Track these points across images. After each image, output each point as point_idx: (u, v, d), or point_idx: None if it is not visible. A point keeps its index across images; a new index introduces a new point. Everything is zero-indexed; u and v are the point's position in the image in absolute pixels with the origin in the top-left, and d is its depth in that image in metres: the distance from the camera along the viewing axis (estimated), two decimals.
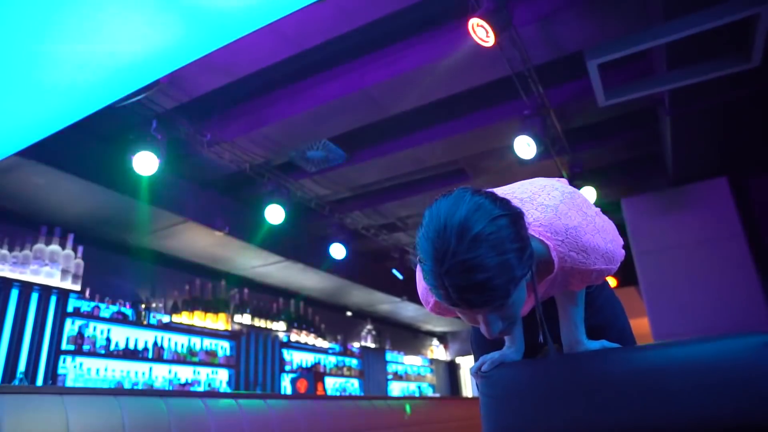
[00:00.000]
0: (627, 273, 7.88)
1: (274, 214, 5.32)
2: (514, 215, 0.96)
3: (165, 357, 5.68)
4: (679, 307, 5.44)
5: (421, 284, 1.20)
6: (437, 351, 12.63)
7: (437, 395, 10.86)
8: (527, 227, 1.01)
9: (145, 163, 4.24)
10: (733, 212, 5.45)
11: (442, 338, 13.05)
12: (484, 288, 0.91)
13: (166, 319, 5.92)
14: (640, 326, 7.80)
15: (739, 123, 4.79)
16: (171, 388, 5.54)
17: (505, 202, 0.98)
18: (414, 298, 9.06)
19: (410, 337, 11.88)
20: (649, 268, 5.74)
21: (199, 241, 5.93)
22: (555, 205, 1.14)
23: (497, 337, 1.04)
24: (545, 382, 1.26)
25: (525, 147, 4.37)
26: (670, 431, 1.12)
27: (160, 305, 6.05)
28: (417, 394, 10.40)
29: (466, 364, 12.81)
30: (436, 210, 0.97)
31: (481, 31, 3.24)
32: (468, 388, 12.48)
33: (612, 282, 8.13)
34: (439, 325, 12.12)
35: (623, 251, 1.23)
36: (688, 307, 5.38)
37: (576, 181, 5.23)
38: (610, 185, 6.22)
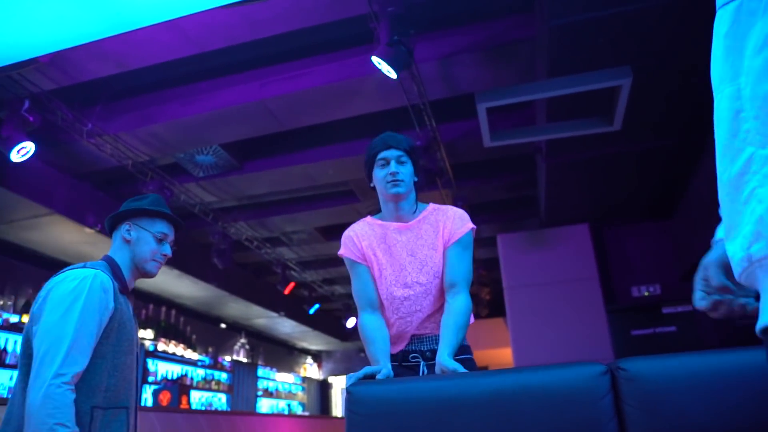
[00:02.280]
0: (496, 305, 8.38)
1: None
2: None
3: (7, 361, 5.13)
4: (539, 338, 5.88)
5: (344, 236, 1.88)
6: (311, 369, 12.53)
7: (306, 414, 10.74)
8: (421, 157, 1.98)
9: (19, 148, 3.88)
10: (591, 256, 6.04)
11: (317, 357, 12.99)
12: (399, 139, 1.81)
13: (14, 318, 5.35)
14: (504, 355, 8.30)
15: (602, 178, 5.34)
16: (8, 397, 5.00)
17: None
18: (291, 314, 8.97)
19: (284, 354, 11.69)
20: (516, 301, 6.16)
21: (65, 237, 5.47)
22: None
23: (393, 178, 1.74)
24: (409, 401, 1.33)
25: None
26: None
27: (9, 303, 5.47)
28: (286, 412, 10.22)
29: (339, 383, 12.82)
30: None
31: (384, 66, 3.37)
32: (339, 408, 12.48)
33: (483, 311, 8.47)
34: (314, 344, 12.06)
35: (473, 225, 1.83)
36: (547, 339, 5.83)
37: None
38: (489, 221, 6.63)
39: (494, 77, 3.99)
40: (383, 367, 1.57)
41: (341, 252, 1.86)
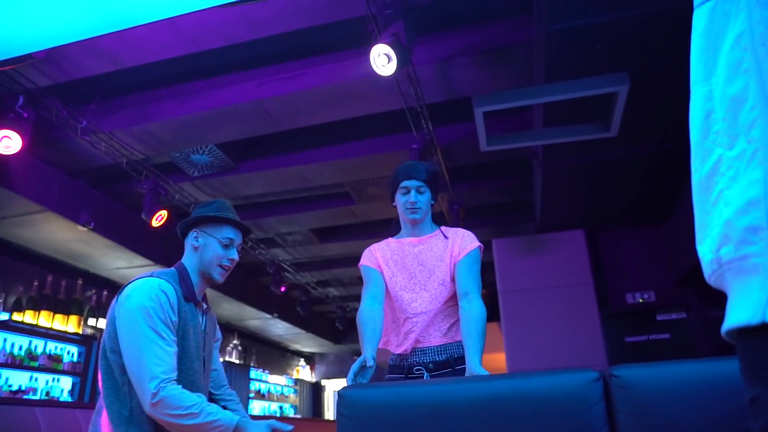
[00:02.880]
0: (491, 309, 8.35)
1: (157, 219, 5.05)
2: (440, 173, 1.98)
3: None
4: (533, 344, 5.87)
5: (365, 251, 2.13)
6: (303, 372, 12.48)
7: (299, 416, 10.70)
8: (440, 186, 2.25)
9: (7, 141, 3.84)
10: (586, 261, 6.03)
11: (310, 359, 12.94)
12: (420, 170, 2.02)
13: (4, 316, 5.31)
14: (498, 360, 8.29)
15: (598, 183, 5.34)
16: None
17: (440, 174, 2.26)
18: (285, 316, 8.94)
19: (277, 356, 11.65)
20: (510, 305, 6.14)
21: (57, 234, 5.43)
22: None
23: (411, 205, 2.01)
24: (400, 406, 1.32)
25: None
26: None
27: (0, 301, 5.43)
28: (278, 414, 10.17)
29: (332, 386, 12.77)
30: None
31: (382, 59, 3.33)
32: (331, 411, 12.43)
33: None
34: (307, 346, 12.01)
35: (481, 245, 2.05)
36: (541, 345, 5.82)
37: (453, 219, 5.51)
38: (484, 225, 6.62)
39: (491, 81, 3.98)
40: (366, 355, 1.68)
41: (360, 263, 2.10)
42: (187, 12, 2.97)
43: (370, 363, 1.67)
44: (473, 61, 3.81)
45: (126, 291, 1.74)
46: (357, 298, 9.87)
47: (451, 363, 1.93)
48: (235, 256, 1.91)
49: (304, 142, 5.00)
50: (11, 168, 4.39)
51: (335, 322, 10.11)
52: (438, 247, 2.04)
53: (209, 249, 1.86)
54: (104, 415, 1.68)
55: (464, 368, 1.83)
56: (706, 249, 0.75)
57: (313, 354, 12.91)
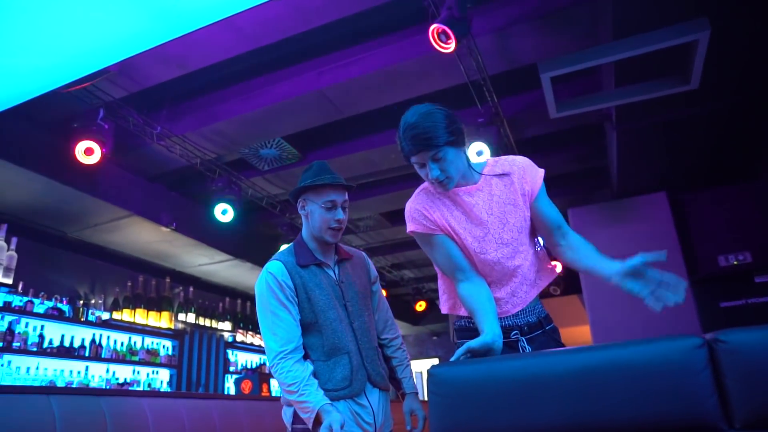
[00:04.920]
0: (571, 282, 8.12)
1: (224, 213, 5.23)
2: (447, 111, 1.62)
3: (103, 355, 5.47)
4: (619, 315, 5.64)
5: (408, 211, 1.74)
6: None
7: None
8: (458, 122, 1.64)
9: (89, 152, 4.08)
10: (671, 225, 5.71)
11: None
12: (419, 136, 1.55)
13: (105, 316, 5.70)
14: (583, 333, 8.06)
15: (677, 142, 5.03)
16: (108, 388, 5.34)
17: (448, 112, 1.63)
18: None
19: None
20: (592, 276, 5.92)
21: (143, 237, 5.74)
22: None
23: (437, 182, 1.59)
24: (492, 381, 1.29)
25: (476, 155, 4.44)
26: (610, 429, 1.16)
27: (100, 302, 5.83)
28: None
29: (414, 367, 12.87)
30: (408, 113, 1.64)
31: (442, 37, 3.28)
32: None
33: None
34: None
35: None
36: (627, 315, 5.58)
37: None
38: (558, 195, 6.41)
39: (554, 45, 3.81)
40: (488, 336, 1.47)
41: (412, 228, 1.72)
42: (244, 9, 3.02)
43: (496, 342, 1.47)
44: (534, 27, 3.66)
45: None
46: (432, 279, 9.87)
47: (542, 323, 1.74)
48: (341, 215, 1.93)
49: (368, 127, 5.00)
50: (99, 178, 4.66)
51: (412, 303, 10.15)
52: (499, 188, 1.68)
53: (315, 215, 1.93)
54: None
55: (553, 327, 1.76)
56: None
57: None
